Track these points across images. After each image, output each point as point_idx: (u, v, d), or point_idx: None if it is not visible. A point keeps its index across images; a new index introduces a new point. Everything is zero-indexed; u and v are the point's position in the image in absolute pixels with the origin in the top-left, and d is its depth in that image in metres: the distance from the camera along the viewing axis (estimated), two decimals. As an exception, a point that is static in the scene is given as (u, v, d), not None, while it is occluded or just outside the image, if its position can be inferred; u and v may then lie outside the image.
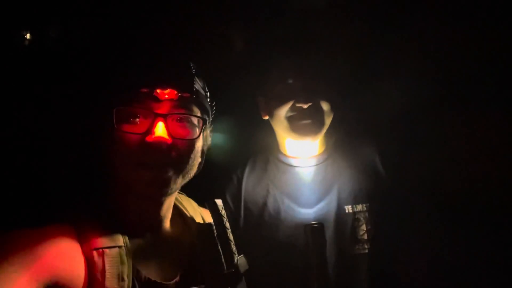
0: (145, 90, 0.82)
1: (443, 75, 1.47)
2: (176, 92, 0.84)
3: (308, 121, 1.29)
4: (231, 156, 1.47)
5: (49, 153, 1.08)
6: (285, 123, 1.31)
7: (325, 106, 1.29)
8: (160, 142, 0.81)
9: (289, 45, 1.34)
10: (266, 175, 1.42)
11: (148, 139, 0.81)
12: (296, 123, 1.29)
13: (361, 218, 1.33)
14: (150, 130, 0.81)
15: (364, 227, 1.33)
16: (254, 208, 1.38)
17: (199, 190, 1.05)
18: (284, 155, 1.43)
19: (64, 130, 1.02)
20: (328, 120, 1.33)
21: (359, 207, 1.34)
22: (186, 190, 1.01)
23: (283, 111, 1.30)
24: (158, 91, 0.82)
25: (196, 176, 0.94)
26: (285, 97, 1.29)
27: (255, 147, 1.51)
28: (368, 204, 1.34)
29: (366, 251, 1.31)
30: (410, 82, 1.47)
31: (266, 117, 1.40)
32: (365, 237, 1.32)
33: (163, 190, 0.85)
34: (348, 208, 1.34)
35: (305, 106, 1.26)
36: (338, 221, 1.32)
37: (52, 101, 1.09)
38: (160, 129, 0.81)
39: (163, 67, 0.86)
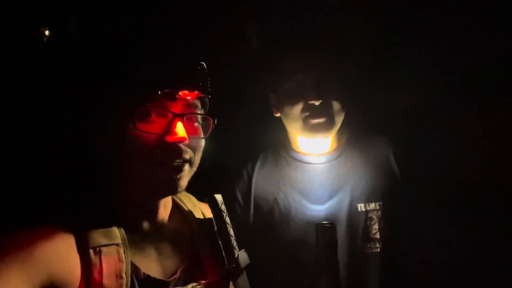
0: (168, 91, 0.82)
1: (458, 71, 1.43)
2: (200, 93, 0.85)
3: (321, 120, 1.27)
4: (241, 152, 1.47)
5: (46, 151, 1.08)
6: (297, 121, 1.29)
7: (337, 103, 1.27)
8: (180, 142, 0.81)
9: (300, 42, 1.33)
10: (277, 171, 1.40)
11: (169, 139, 0.81)
12: (308, 122, 1.27)
13: (374, 217, 1.30)
14: (169, 130, 0.81)
15: (376, 226, 1.30)
16: (264, 204, 1.37)
17: (208, 186, 1.04)
18: (296, 151, 1.41)
19: (63, 128, 1.02)
20: (340, 118, 1.30)
21: (371, 206, 1.31)
22: (195, 185, 0.99)
23: (296, 109, 1.28)
24: (181, 93, 0.82)
25: (205, 172, 0.93)
26: (296, 95, 1.27)
27: (266, 143, 1.50)
28: (381, 202, 1.31)
29: (378, 250, 1.29)
30: (424, 78, 1.44)
31: (278, 114, 1.38)
32: (377, 236, 1.29)
33: (177, 189, 0.85)
34: (361, 207, 1.31)
35: (317, 103, 1.24)
36: (350, 219, 1.30)
37: (54, 99, 1.09)
38: (181, 130, 0.81)
39: (188, 69, 0.85)
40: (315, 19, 1.38)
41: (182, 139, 0.81)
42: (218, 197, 0.97)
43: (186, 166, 0.84)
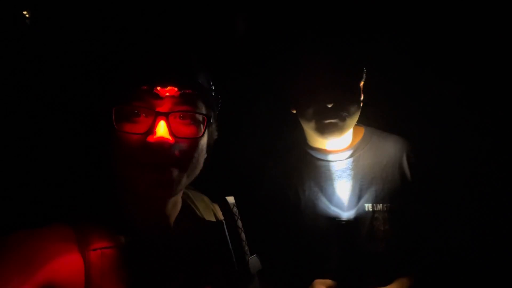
0: (145, 87, 0.77)
1: (483, 74, 1.39)
2: (176, 89, 0.78)
3: (333, 121, 1.26)
4: (259, 148, 1.49)
5: (49, 152, 1.03)
6: (310, 121, 1.29)
7: (350, 106, 1.26)
8: (162, 142, 0.75)
9: (316, 43, 1.31)
10: (290, 165, 1.42)
11: (150, 139, 0.75)
12: (321, 123, 1.27)
13: (380, 218, 1.31)
14: (151, 129, 0.76)
15: (382, 226, 1.30)
16: (277, 199, 1.39)
17: (223, 179, 1.00)
18: (311, 147, 1.42)
19: (64, 129, 0.97)
20: (353, 120, 1.30)
21: (379, 207, 1.31)
22: (206, 182, 0.96)
23: (310, 109, 1.28)
24: (158, 88, 0.77)
25: (215, 167, 0.90)
26: (311, 95, 1.27)
27: (283, 137, 1.52)
28: (388, 204, 1.31)
29: (381, 249, 1.30)
30: (446, 80, 1.41)
31: (294, 111, 1.38)
32: (382, 236, 1.30)
33: (167, 191, 0.80)
34: (368, 207, 1.31)
35: (330, 105, 1.24)
36: (356, 217, 1.31)
37: (53, 100, 1.04)
38: (162, 129, 0.76)
39: (163, 63, 0.80)
40: (332, 22, 1.38)
41: (161, 139, 0.75)
42: (230, 199, 0.93)
43: (174, 168, 0.78)
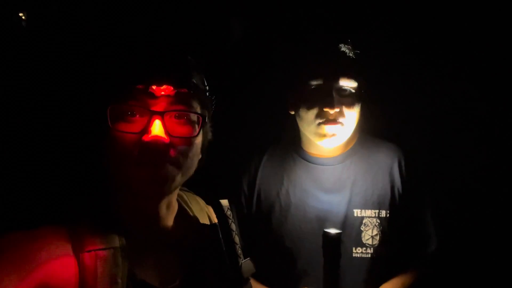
0: (140, 86, 0.77)
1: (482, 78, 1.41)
2: (172, 88, 0.79)
3: (334, 128, 1.26)
4: (252, 147, 1.50)
5: (44, 153, 1.03)
6: (310, 125, 1.30)
7: (352, 113, 1.27)
8: (157, 141, 0.76)
9: (322, 47, 1.31)
10: (282, 167, 1.42)
11: (145, 138, 0.76)
12: (321, 128, 1.27)
13: (369, 224, 1.32)
14: (146, 128, 0.76)
15: (370, 232, 1.32)
16: (267, 198, 1.40)
17: (215, 178, 0.99)
18: (304, 150, 1.43)
19: (59, 129, 0.97)
20: (352, 128, 1.31)
21: (368, 212, 1.33)
22: (201, 181, 0.96)
23: (310, 113, 1.28)
24: (153, 87, 0.77)
25: (209, 166, 0.91)
26: (313, 99, 1.27)
27: (277, 138, 1.52)
28: (378, 210, 1.33)
29: (368, 255, 1.31)
30: (446, 86, 1.42)
31: (292, 112, 1.38)
32: (370, 242, 1.32)
33: (162, 189, 0.80)
34: (357, 212, 1.33)
35: (332, 111, 1.24)
36: (345, 222, 1.32)
37: (48, 100, 1.03)
38: (157, 128, 0.76)
39: (158, 62, 0.81)
40: (338, 27, 1.38)
41: (157, 138, 0.75)
42: (224, 202, 0.93)
43: (169, 167, 0.79)
